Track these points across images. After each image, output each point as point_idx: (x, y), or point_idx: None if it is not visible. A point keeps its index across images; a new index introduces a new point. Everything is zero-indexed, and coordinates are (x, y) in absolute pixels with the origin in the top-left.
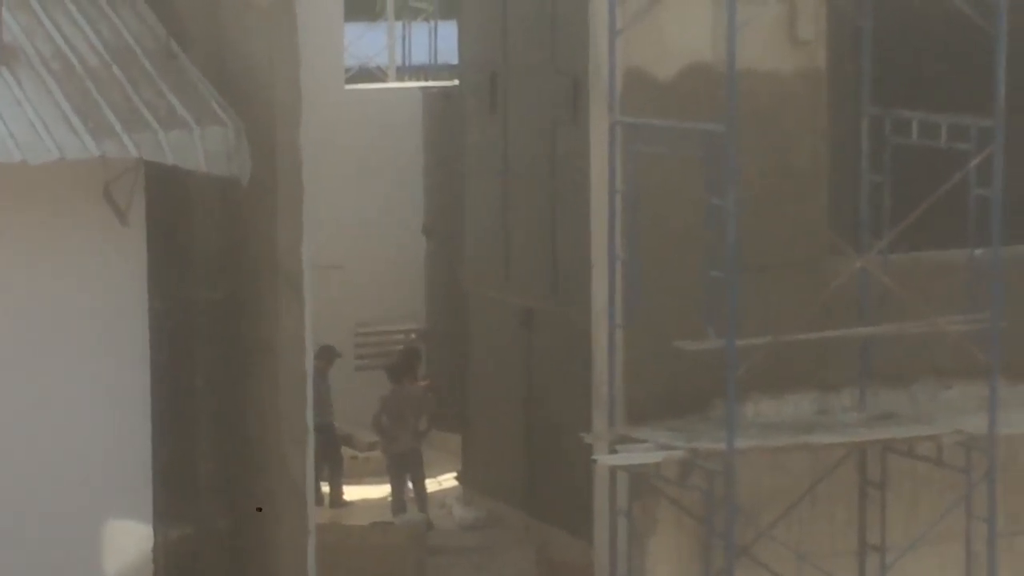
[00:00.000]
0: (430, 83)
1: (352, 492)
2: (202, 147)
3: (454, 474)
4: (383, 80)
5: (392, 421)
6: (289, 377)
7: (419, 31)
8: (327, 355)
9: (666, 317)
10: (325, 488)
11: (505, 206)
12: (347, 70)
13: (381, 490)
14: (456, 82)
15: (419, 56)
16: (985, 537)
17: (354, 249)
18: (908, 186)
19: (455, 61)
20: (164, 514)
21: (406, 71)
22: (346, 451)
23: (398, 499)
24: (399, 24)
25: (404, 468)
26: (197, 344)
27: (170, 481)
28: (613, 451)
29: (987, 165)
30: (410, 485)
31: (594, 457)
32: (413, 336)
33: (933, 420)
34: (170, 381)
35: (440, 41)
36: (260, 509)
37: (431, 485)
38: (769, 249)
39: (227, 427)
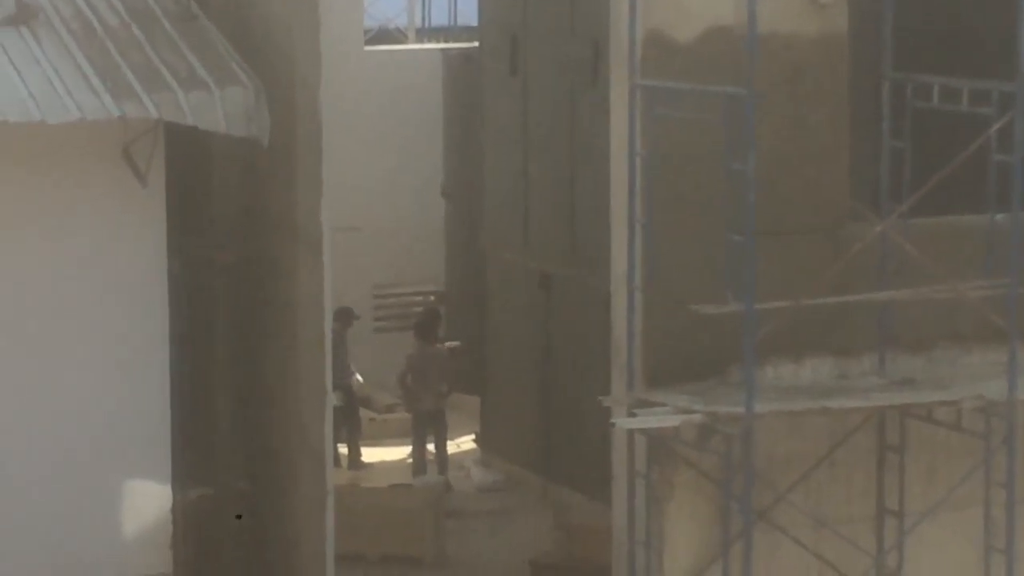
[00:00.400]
0: (450, 45)
1: (370, 454)
2: (222, 108)
3: (472, 437)
4: (403, 42)
5: (416, 380)
6: (308, 339)
7: None
8: (345, 317)
9: (685, 281)
10: (343, 450)
11: (524, 169)
12: (367, 31)
13: (400, 452)
14: (476, 44)
15: (439, 18)
16: (1003, 503)
17: (373, 211)
18: (929, 151)
19: (475, 23)
20: (182, 475)
21: (426, 33)
22: (364, 413)
23: (419, 460)
24: None
25: (426, 428)
26: (216, 305)
27: (188, 442)
28: (631, 415)
29: (1008, 130)
30: (431, 447)
31: (612, 421)
32: (432, 298)
33: (952, 385)
34: (189, 342)
35: (460, 3)
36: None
37: (449, 448)
38: (789, 214)
39: (246, 388)
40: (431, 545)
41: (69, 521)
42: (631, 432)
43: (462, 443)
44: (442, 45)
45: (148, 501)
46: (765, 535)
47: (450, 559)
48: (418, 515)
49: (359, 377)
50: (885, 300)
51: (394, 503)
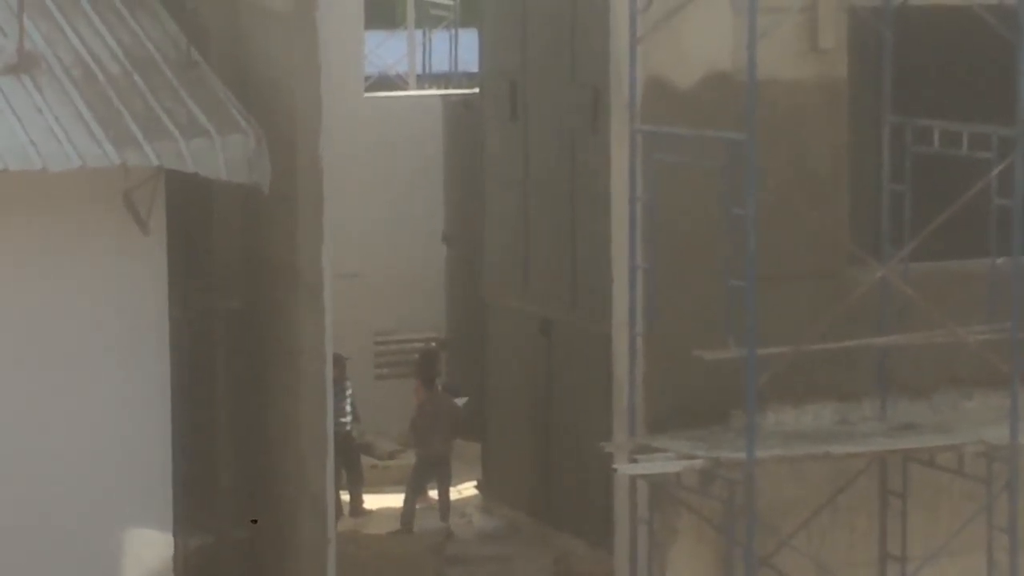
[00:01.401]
0: (450, 91)
1: (372, 501)
2: (222, 155)
3: (474, 483)
4: (403, 88)
5: (426, 425)
6: (309, 386)
7: (439, 39)
8: (337, 363)
9: (686, 326)
10: (345, 496)
11: (525, 215)
12: (367, 78)
13: (401, 499)
14: (476, 90)
15: (439, 64)
16: (1006, 547)
17: (373, 257)
18: (929, 195)
19: (475, 69)
20: (184, 522)
21: (426, 79)
22: (366, 460)
23: (410, 508)
24: (419, 32)
25: (431, 474)
26: (217, 353)
27: (190, 489)
28: (633, 460)
29: (1008, 174)
30: (433, 493)
31: (614, 466)
32: (432, 344)
33: (954, 430)
34: (190, 389)
35: (460, 49)
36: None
37: (451, 494)
38: (789, 259)
39: (247, 436)
40: None
41: (71, 570)
42: (633, 478)
43: (463, 489)
44: (442, 91)
45: (150, 549)
46: None
47: None
48: (420, 562)
49: (345, 421)
50: (886, 345)
51: (396, 550)
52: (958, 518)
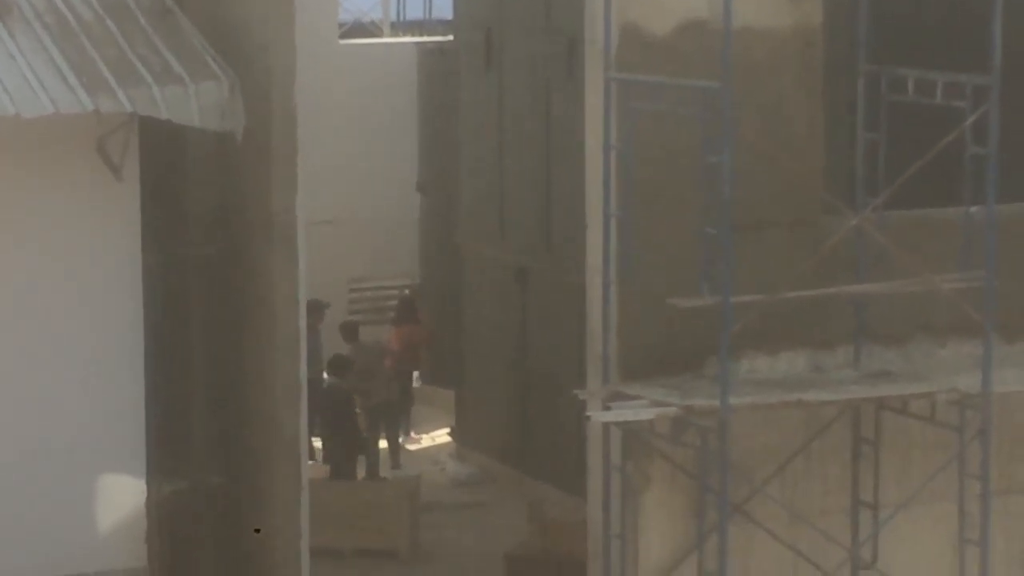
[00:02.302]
0: (425, 39)
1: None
2: (196, 102)
3: (447, 430)
4: (377, 35)
5: (362, 376)
6: (282, 333)
7: None
8: (315, 309)
9: (660, 274)
10: (317, 443)
11: (500, 163)
12: (341, 25)
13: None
14: (451, 38)
15: (414, 11)
16: (978, 496)
17: (348, 205)
18: (904, 144)
19: (450, 17)
20: (157, 469)
21: (401, 26)
22: None
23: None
24: None
25: (378, 422)
26: (191, 300)
27: (164, 436)
28: (607, 408)
29: (983, 123)
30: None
31: (588, 414)
32: (406, 291)
33: (927, 378)
34: (163, 336)
35: None
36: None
37: (424, 441)
38: (764, 207)
39: (221, 382)
40: (406, 538)
41: (44, 516)
42: (606, 425)
43: (437, 436)
44: (417, 39)
45: (123, 496)
46: (740, 528)
47: (425, 552)
48: (393, 509)
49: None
50: (860, 293)
51: (369, 497)
52: (930, 466)
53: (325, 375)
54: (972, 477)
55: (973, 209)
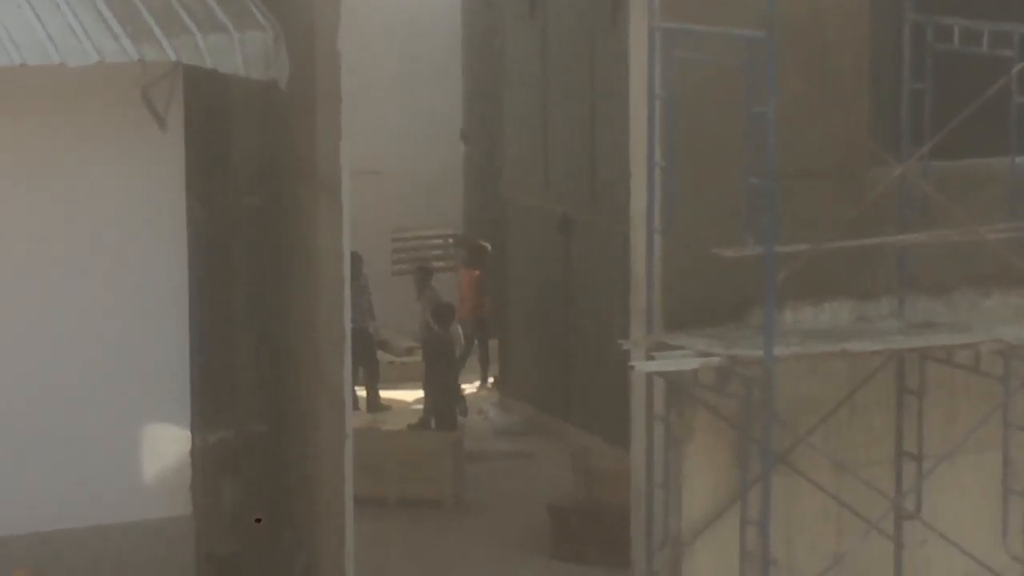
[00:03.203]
0: None
1: (389, 397)
2: (241, 51)
3: (491, 379)
4: None
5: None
6: (327, 283)
7: None
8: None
9: (705, 224)
10: (361, 392)
11: (544, 112)
12: None
13: (418, 394)
14: None
15: None
16: (1022, 445)
17: (392, 154)
18: (950, 94)
19: None
20: (202, 418)
21: None
22: (383, 356)
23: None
24: None
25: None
26: (235, 249)
27: (208, 385)
28: (650, 358)
29: None
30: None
31: (631, 364)
32: (451, 240)
33: (972, 328)
34: (208, 286)
35: None
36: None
37: (468, 390)
38: (809, 157)
39: (265, 332)
40: (449, 488)
41: (89, 464)
42: (650, 375)
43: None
44: None
45: (168, 444)
46: (784, 478)
47: (468, 502)
48: (437, 458)
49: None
50: (905, 243)
51: (413, 446)
52: (974, 416)
53: (431, 323)
54: (1016, 427)
55: (1019, 159)
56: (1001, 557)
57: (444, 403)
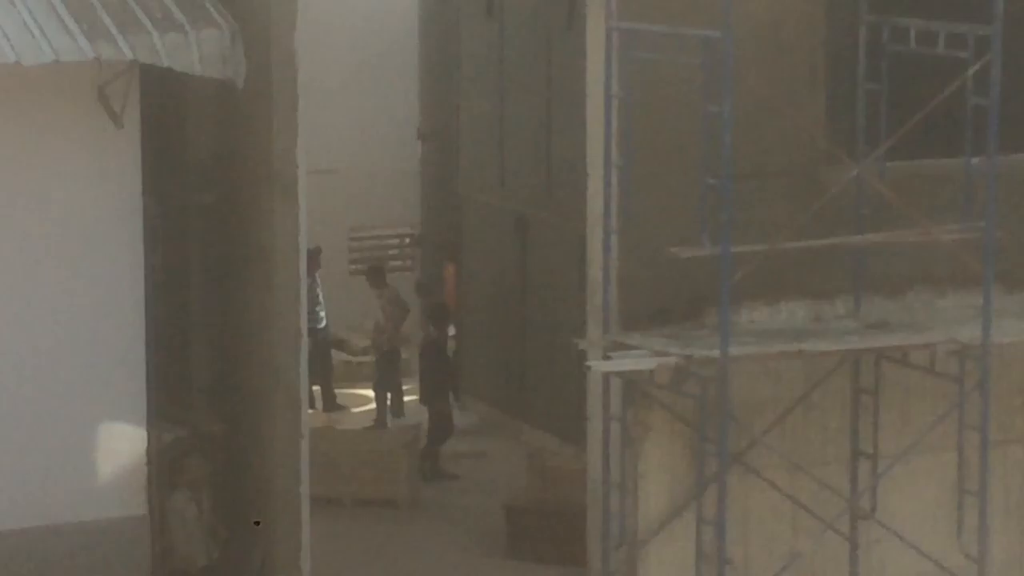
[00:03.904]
0: None
1: (345, 397)
2: (197, 50)
3: None
4: None
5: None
6: (283, 281)
7: None
8: (310, 256)
9: (661, 224)
10: (317, 390)
11: (501, 111)
12: None
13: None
14: None
15: None
16: (977, 446)
17: (348, 153)
18: (905, 95)
19: None
20: (158, 417)
21: None
22: (339, 355)
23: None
24: None
25: (390, 369)
26: (191, 247)
27: (164, 383)
28: (607, 357)
29: (984, 74)
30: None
31: (587, 363)
32: (407, 241)
33: (927, 329)
34: (164, 283)
35: None
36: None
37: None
38: (765, 157)
39: (221, 329)
40: (405, 488)
41: (44, 463)
42: (606, 375)
43: None
44: None
45: (123, 443)
46: (739, 478)
47: (424, 502)
48: (392, 458)
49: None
50: (861, 244)
51: (368, 446)
52: (930, 417)
53: (429, 326)
54: (971, 428)
55: (974, 160)
56: (956, 557)
57: (442, 410)
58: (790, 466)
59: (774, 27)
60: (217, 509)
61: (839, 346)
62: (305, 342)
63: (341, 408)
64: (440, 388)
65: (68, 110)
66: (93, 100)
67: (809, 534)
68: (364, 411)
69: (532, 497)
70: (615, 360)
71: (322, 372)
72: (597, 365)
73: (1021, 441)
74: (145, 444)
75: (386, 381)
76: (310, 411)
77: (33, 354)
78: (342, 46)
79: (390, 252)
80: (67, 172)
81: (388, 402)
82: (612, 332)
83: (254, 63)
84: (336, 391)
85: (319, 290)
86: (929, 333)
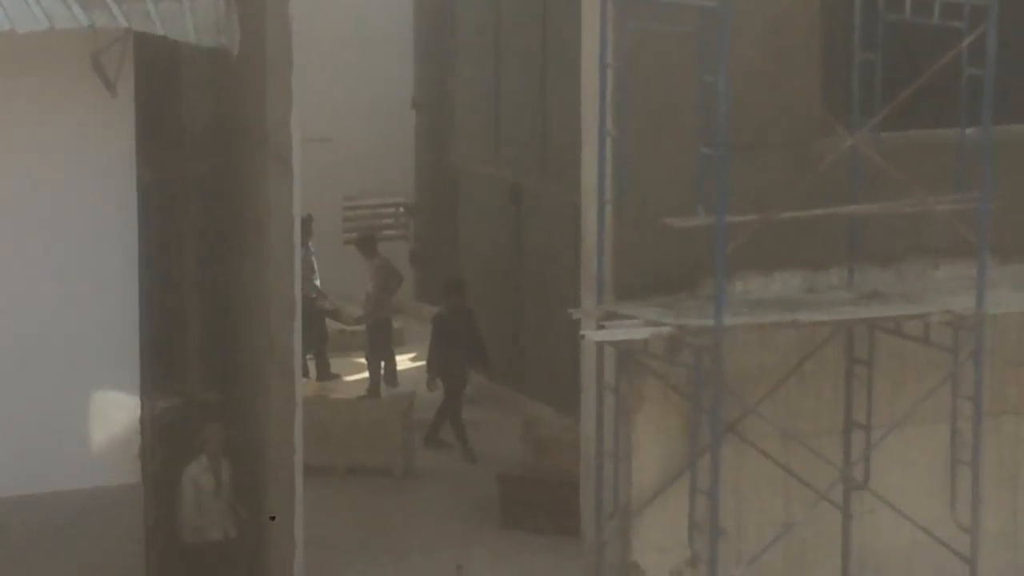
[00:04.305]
0: None
1: (339, 366)
2: (192, 18)
3: None
4: None
5: (386, 291)
6: (276, 250)
7: None
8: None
9: (656, 194)
10: (311, 359)
11: (496, 81)
12: None
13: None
14: None
15: None
16: (970, 416)
17: (343, 122)
18: (901, 65)
19: None
20: (152, 386)
21: None
22: (333, 325)
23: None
24: None
25: (382, 339)
26: (185, 216)
27: (158, 353)
28: (601, 327)
29: (980, 44)
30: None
31: (582, 333)
32: (401, 210)
33: (921, 299)
34: (158, 253)
35: None
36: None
37: (418, 359)
38: (761, 127)
39: (215, 299)
40: (399, 457)
41: (38, 431)
42: (600, 344)
43: None
44: None
45: (117, 412)
46: (733, 447)
47: (418, 471)
48: (387, 427)
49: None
50: (855, 213)
51: (363, 415)
52: (923, 387)
53: (446, 298)
54: (965, 398)
55: (969, 131)
56: (948, 527)
57: (457, 382)
58: (783, 436)
59: None
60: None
61: (833, 316)
62: (299, 311)
63: (335, 377)
64: (448, 363)
65: (62, 78)
66: (87, 68)
67: (802, 504)
68: (358, 380)
69: (526, 467)
70: (609, 330)
71: (316, 341)
72: (591, 335)
73: (1014, 412)
74: (138, 413)
75: (378, 350)
76: (304, 380)
77: (26, 323)
78: (337, 15)
79: (384, 221)
80: (61, 141)
81: (382, 371)
82: (606, 302)
83: (248, 31)
84: (330, 360)
85: (314, 259)
86: (923, 304)
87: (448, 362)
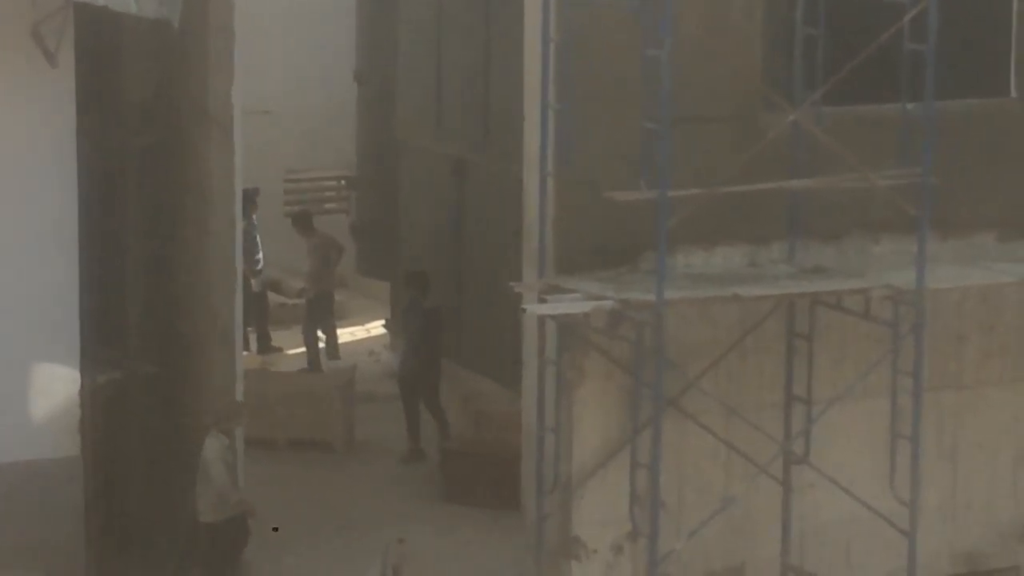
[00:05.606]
0: None
1: (280, 339)
2: None
3: (383, 322)
4: None
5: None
6: (218, 222)
7: None
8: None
9: (598, 168)
10: (251, 333)
11: (438, 54)
12: None
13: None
14: None
15: None
16: (911, 391)
17: (284, 95)
18: (843, 40)
19: None
20: (91, 359)
21: None
22: (274, 298)
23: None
24: None
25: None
26: (126, 188)
27: (98, 325)
28: (542, 301)
29: (922, 19)
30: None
31: (523, 307)
32: (343, 183)
33: (862, 274)
34: (99, 225)
35: None
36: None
37: (359, 333)
38: (703, 101)
39: (156, 272)
40: (340, 430)
41: None
42: (542, 318)
43: (372, 328)
44: None
45: (56, 385)
46: (674, 422)
47: (359, 444)
48: (327, 400)
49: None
50: (797, 188)
51: (303, 388)
52: (864, 362)
53: (410, 294)
54: (905, 373)
55: (910, 106)
56: (888, 501)
57: (433, 371)
58: (725, 410)
59: None
60: (152, 451)
61: (774, 291)
62: (240, 284)
63: (276, 350)
64: (431, 363)
65: (1, 48)
66: (27, 38)
67: (743, 478)
68: (298, 353)
69: (467, 441)
70: (550, 303)
71: (257, 314)
72: (532, 308)
73: (954, 387)
74: (78, 385)
75: (317, 323)
76: (245, 353)
77: None
78: None
79: (326, 195)
80: (1, 111)
81: (323, 344)
82: (548, 275)
83: (190, 2)
84: (271, 333)
85: (256, 233)
86: (864, 278)
87: (433, 356)
